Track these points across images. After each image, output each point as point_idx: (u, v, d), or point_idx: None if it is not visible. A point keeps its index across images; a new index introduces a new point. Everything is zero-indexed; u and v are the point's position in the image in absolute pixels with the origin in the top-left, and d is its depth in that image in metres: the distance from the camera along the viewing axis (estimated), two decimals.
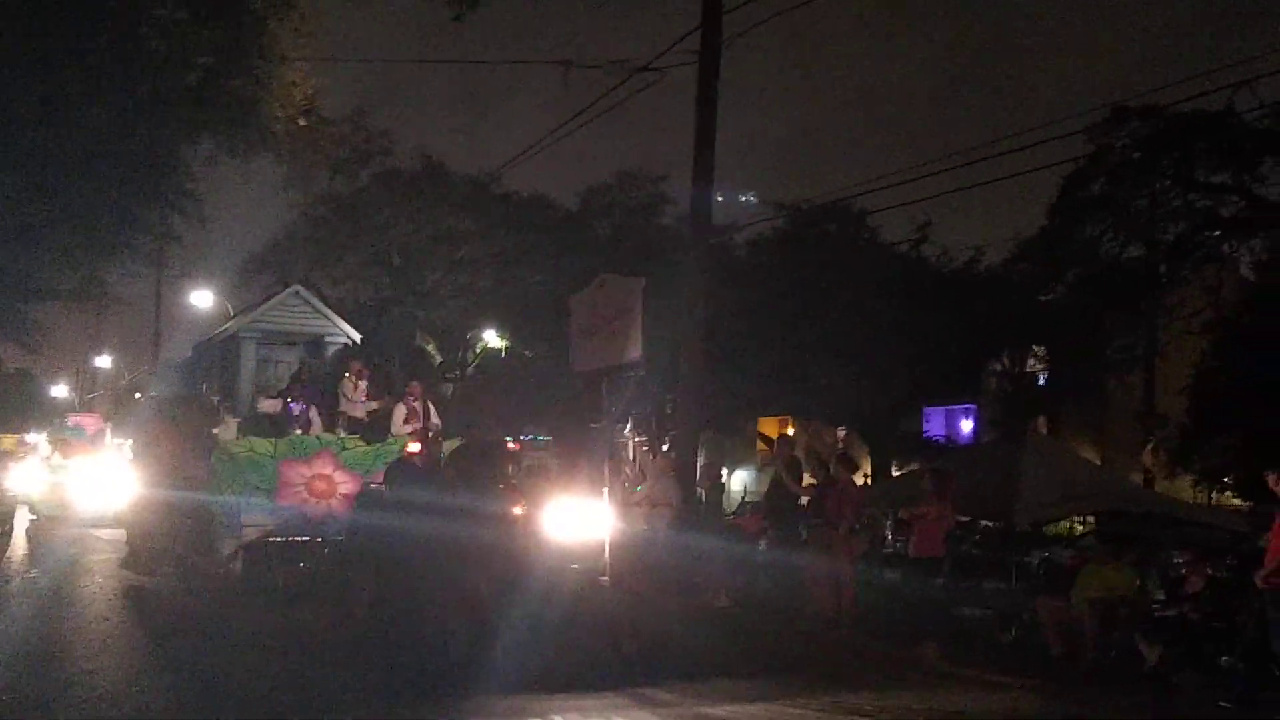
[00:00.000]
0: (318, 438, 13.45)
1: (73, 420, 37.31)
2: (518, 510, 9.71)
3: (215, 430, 13.06)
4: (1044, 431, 26.67)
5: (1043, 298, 27.89)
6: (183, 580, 13.59)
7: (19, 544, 21.74)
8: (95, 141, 13.67)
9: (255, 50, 15.54)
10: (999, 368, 31.01)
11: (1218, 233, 24.26)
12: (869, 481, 24.44)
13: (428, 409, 14.47)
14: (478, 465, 10.58)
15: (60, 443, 32.32)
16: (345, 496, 12.85)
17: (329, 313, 15.97)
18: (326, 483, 12.87)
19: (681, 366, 15.84)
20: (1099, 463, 24.70)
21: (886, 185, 26.95)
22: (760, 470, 32.29)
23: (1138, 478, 23.19)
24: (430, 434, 13.15)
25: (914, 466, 14.04)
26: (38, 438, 44.89)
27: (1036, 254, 27.14)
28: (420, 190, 34.06)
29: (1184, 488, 24.03)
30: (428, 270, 35.87)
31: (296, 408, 13.95)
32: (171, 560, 14.21)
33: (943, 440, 30.01)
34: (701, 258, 15.78)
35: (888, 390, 26.59)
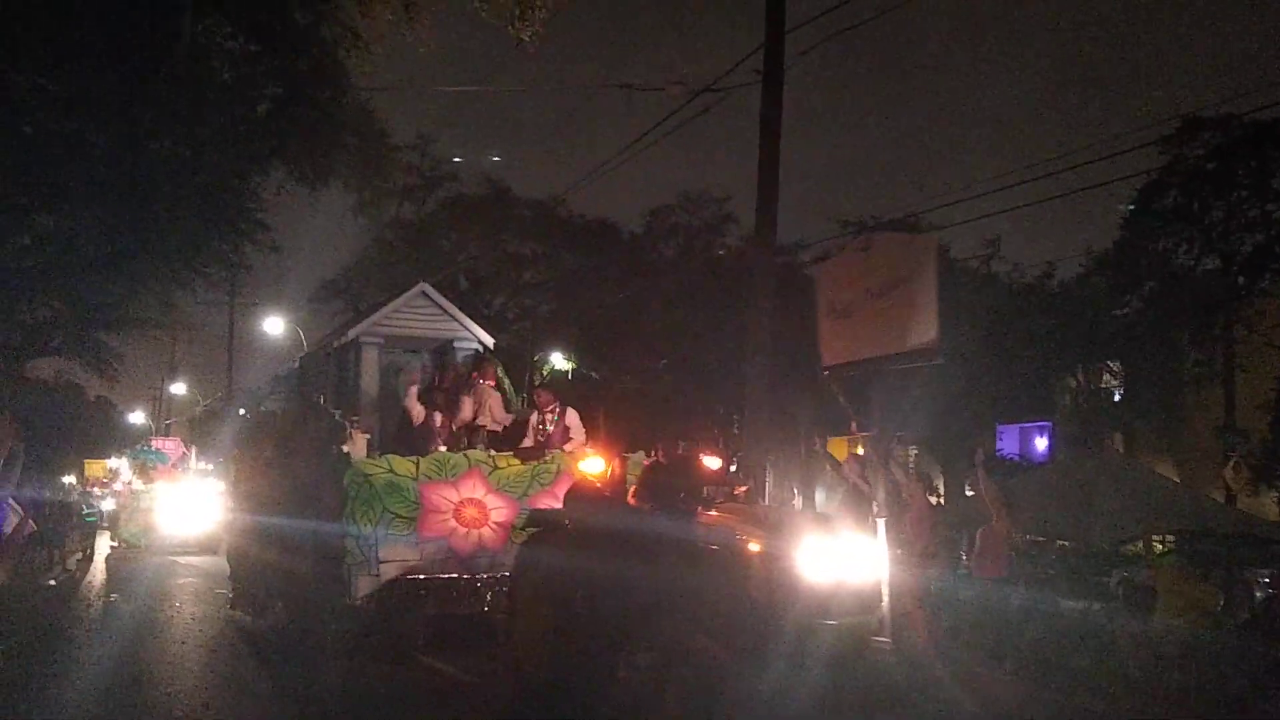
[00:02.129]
0: (465, 455, 11.42)
1: (155, 444, 37.94)
2: (755, 547, 7.54)
3: (345, 448, 11.05)
4: (1119, 449, 26.14)
5: (1117, 312, 27.44)
6: (300, 621, 11.99)
7: (99, 570, 22.18)
8: (168, 173, 13.91)
9: (324, 80, 15.80)
10: (1073, 384, 30.55)
11: None
12: (942, 502, 24.13)
13: (562, 423, 12.44)
14: (685, 488, 9.03)
15: (141, 468, 33.00)
16: (499, 525, 11.04)
17: (459, 314, 14.13)
18: (478, 509, 11.04)
19: (747, 388, 15.78)
20: (1177, 480, 24.15)
21: (957, 200, 26.93)
22: (830, 491, 31.97)
23: (1218, 495, 22.60)
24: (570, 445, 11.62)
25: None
26: (119, 463, 45.96)
27: (1110, 268, 26.74)
28: (486, 215, 34.44)
29: (1268, 505, 23.41)
30: (494, 294, 36.20)
31: (438, 418, 12.11)
32: (288, 600, 12.57)
33: (1017, 459, 29.56)
34: (766, 277, 15.74)
35: (961, 408, 26.26)
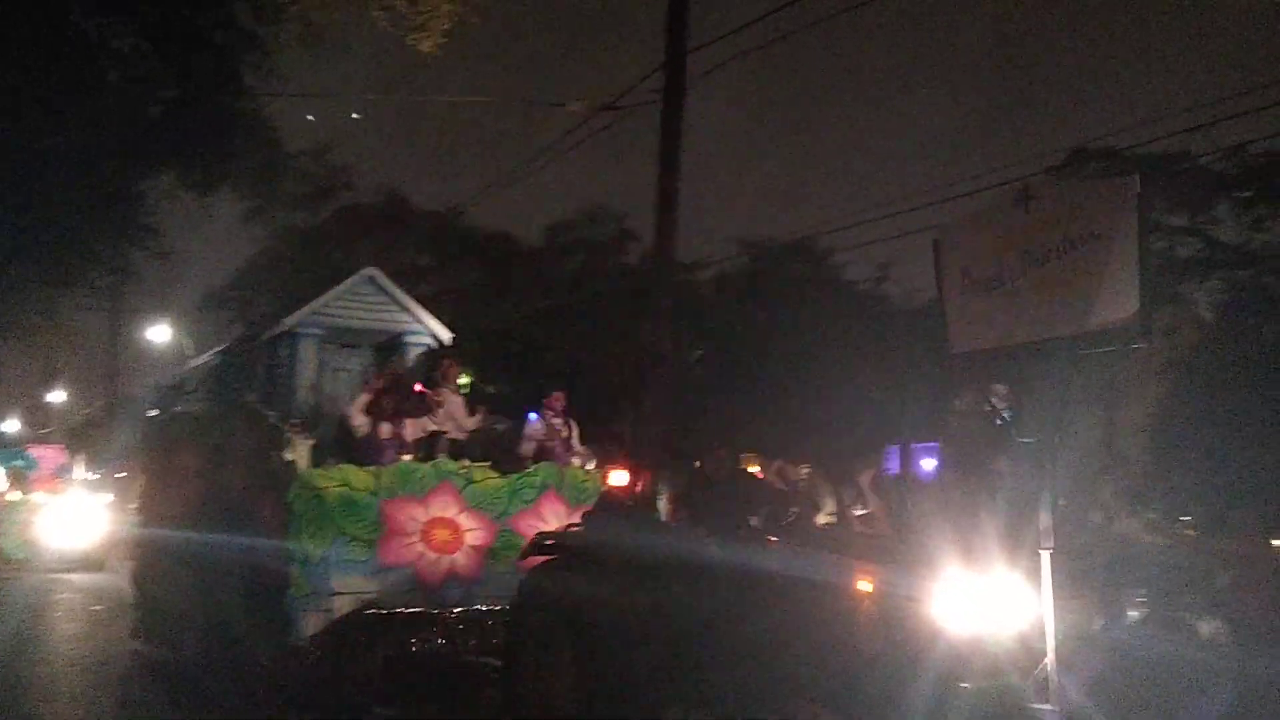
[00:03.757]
0: (434, 466, 9.81)
1: (31, 451, 36.34)
2: (865, 584, 6.12)
3: (288, 456, 9.48)
4: (1005, 471, 26.77)
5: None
6: (223, 659, 10.36)
7: None
8: (51, 175, 13.48)
9: (218, 85, 15.46)
10: (960, 406, 31.23)
11: (1174, 274, 24.57)
12: (832, 521, 24.39)
13: (570, 429, 11.13)
14: (747, 509, 7.39)
15: (17, 476, 31.62)
16: (474, 549, 9.51)
17: (411, 304, 12.47)
18: (450, 530, 9.45)
19: (644, 404, 15.80)
20: (1061, 502, 24.84)
21: (851, 225, 27.38)
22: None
23: (1097, 516, 23.31)
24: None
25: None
26: None
27: None
28: (382, 225, 34.08)
29: (1143, 527, 24.20)
30: None
31: (387, 428, 10.39)
32: (208, 634, 10.80)
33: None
34: (665, 295, 15.80)
35: (852, 428, 26.69)
